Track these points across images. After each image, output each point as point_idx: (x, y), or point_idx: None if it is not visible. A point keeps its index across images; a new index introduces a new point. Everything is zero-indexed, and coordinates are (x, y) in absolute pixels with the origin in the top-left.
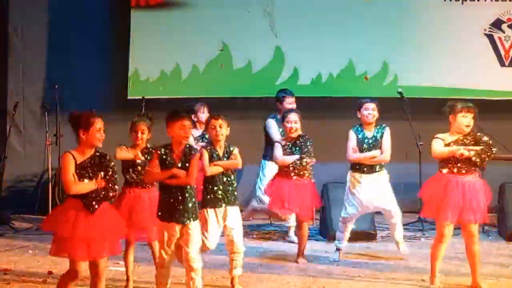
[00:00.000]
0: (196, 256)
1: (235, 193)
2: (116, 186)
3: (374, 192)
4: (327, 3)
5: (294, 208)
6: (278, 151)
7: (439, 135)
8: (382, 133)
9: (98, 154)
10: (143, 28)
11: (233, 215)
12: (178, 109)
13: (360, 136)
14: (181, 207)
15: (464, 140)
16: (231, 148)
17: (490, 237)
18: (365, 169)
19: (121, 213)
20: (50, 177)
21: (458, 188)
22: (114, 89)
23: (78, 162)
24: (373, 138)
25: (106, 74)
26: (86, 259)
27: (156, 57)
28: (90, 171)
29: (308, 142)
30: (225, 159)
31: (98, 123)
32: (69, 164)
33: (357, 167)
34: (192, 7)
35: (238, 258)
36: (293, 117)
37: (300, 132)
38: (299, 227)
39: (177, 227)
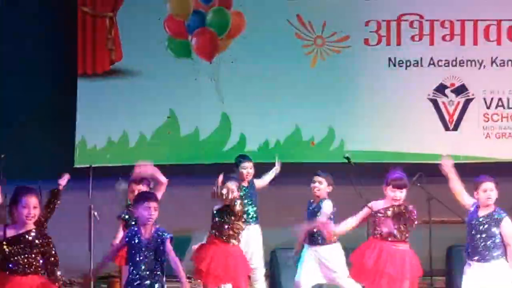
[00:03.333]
0: None
1: None
2: (58, 273)
3: (321, 263)
4: (273, 70)
5: (224, 278)
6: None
7: (372, 203)
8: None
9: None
10: (90, 96)
11: None
12: None
13: (309, 208)
14: None
15: (390, 210)
16: (163, 235)
17: None
18: (308, 239)
19: None
20: None
21: (374, 250)
22: (60, 158)
23: (8, 236)
24: (316, 210)
25: (52, 143)
26: None
27: (103, 125)
28: (24, 247)
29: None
30: (151, 246)
31: (26, 200)
32: None
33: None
34: (139, 76)
35: None
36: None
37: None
38: None
39: None
